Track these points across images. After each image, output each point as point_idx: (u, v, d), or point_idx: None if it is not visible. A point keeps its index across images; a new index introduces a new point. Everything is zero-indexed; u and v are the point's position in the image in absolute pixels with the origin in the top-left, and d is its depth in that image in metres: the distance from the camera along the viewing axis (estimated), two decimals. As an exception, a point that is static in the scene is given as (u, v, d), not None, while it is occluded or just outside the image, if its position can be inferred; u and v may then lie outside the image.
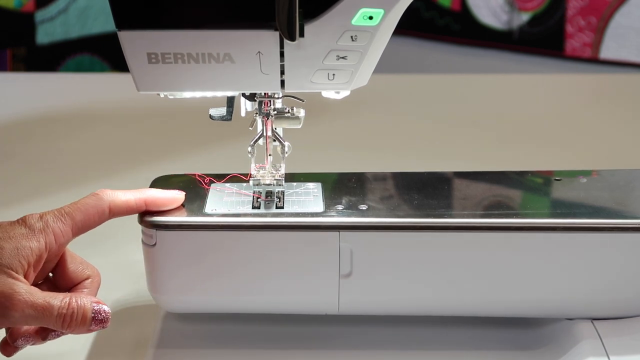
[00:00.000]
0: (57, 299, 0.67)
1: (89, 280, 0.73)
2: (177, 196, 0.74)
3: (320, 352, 0.73)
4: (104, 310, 0.68)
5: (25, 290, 0.67)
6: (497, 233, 0.71)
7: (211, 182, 0.78)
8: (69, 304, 0.68)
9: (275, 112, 0.76)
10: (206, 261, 0.71)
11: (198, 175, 0.78)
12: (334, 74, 0.71)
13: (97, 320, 0.68)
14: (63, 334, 0.69)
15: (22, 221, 0.70)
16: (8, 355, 0.71)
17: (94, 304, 0.68)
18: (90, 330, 0.68)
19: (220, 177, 0.78)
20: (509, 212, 0.73)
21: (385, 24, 0.70)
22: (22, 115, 1.34)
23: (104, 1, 2.57)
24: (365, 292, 0.72)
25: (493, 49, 2.69)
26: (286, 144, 0.76)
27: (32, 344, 0.70)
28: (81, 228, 0.71)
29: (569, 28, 2.54)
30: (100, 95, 1.46)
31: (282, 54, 0.70)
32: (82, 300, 0.68)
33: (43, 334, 0.70)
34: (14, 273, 0.67)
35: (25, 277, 0.68)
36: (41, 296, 0.67)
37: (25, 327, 0.70)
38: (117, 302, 0.80)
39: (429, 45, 2.80)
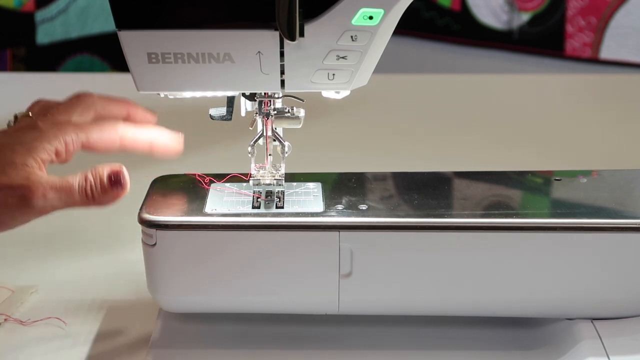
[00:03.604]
0: (74, 176, 0.71)
1: None
2: (174, 143, 0.77)
3: (320, 352, 0.73)
4: (118, 171, 0.71)
5: (44, 177, 0.70)
6: (497, 233, 0.71)
7: (211, 182, 0.78)
8: (85, 176, 0.71)
9: (275, 112, 0.76)
10: (206, 261, 0.71)
11: (198, 175, 0.78)
12: (334, 74, 0.71)
13: (114, 183, 0.71)
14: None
15: (33, 125, 0.73)
16: None
17: (106, 169, 0.71)
18: (115, 196, 0.71)
19: (220, 177, 0.78)
20: (509, 212, 0.73)
21: (385, 24, 0.70)
22: (22, 115, 1.34)
23: (104, 1, 2.57)
24: (365, 292, 0.72)
25: (493, 49, 2.69)
26: (286, 144, 0.76)
27: None
28: (90, 148, 0.74)
29: (569, 28, 2.54)
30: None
31: (282, 54, 0.70)
32: (96, 170, 0.71)
33: None
34: (29, 168, 0.70)
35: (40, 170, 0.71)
36: (59, 178, 0.70)
37: None
38: (117, 302, 0.80)
39: (429, 45, 2.81)
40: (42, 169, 0.71)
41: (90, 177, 0.71)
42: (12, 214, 0.70)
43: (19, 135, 0.73)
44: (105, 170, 0.71)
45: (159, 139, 0.76)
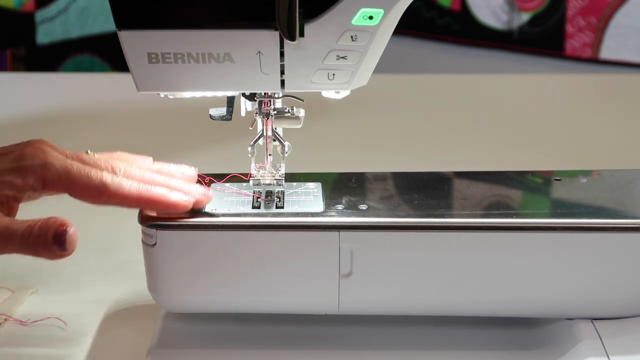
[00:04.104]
0: (21, 225, 0.66)
1: None
2: (182, 202, 0.70)
3: (320, 352, 0.73)
4: (63, 231, 0.66)
5: None
6: (497, 233, 0.71)
7: (211, 182, 0.78)
8: (32, 227, 0.66)
9: (275, 112, 0.76)
10: (206, 261, 0.71)
11: (198, 175, 0.78)
12: (334, 74, 0.71)
13: (56, 243, 0.66)
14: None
15: (18, 156, 0.69)
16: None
17: (55, 225, 0.66)
18: (57, 256, 0.66)
19: (220, 177, 0.78)
20: (509, 212, 0.73)
21: (385, 24, 0.70)
22: (22, 115, 1.34)
23: (104, 1, 2.57)
24: (365, 292, 0.72)
25: (493, 49, 2.69)
26: (286, 144, 0.76)
27: None
28: (72, 193, 0.70)
29: (569, 28, 2.54)
30: (100, 95, 1.46)
31: (282, 54, 0.70)
32: (45, 222, 0.66)
33: None
34: None
35: (9, 208, 0.68)
36: (4, 223, 0.66)
37: None
38: (117, 302, 0.80)
39: (429, 45, 2.81)
40: (11, 204, 0.68)
41: (36, 229, 0.66)
42: None
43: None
44: (53, 227, 0.66)
45: (153, 204, 0.70)
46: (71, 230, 0.66)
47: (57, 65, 2.58)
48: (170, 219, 0.71)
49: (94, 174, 0.70)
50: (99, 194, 0.69)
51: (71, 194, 0.70)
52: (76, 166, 0.70)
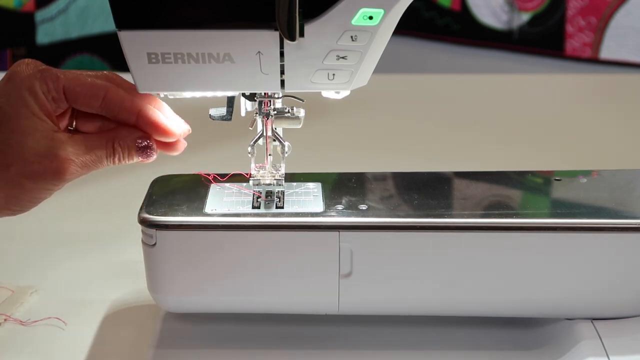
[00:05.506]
0: (101, 149, 0.71)
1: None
2: (174, 128, 0.73)
3: (320, 352, 0.73)
4: (146, 143, 0.72)
5: (71, 151, 0.69)
6: (497, 233, 0.71)
7: (215, 178, 0.78)
8: (113, 149, 0.71)
9: (275, 112, 0.76)
10: (206, 261, 0.71)
11: (204, 173, 0.78)
12: (334, 74, 0.71)
13: (142, 152, 0.72)
14: None
15: (11, 74, 0.73)
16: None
17: (135, 141, 0.72)
18: (143, 160, 0.73)
19: (221, 177, 0.78)
20: (509, 212, 0.73)
21: (385, 24, 0.70)
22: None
23: (104, 1, 2.57)
24: (365, 292, 0.72)
25: (493, 49, 2.69)
26: (286, 144, 0.76)
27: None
28: (71, 91, 0.71)
29: (569, 28, 2.54)
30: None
31: (282, 54, 0.70)
32: (123, 141, 0.71)
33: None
34: (54, 135, 0.69)
35: (54, 123, 0.70)
36: (86, 151, 0.70)
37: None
38: (117, 302, 0.80)
39: (429, 45, 2.81)
40: (57, 126, 0.70)
41: (118, 148, 0.71)
42: (46, 186, 0.70)
43: (5, 88, 0.71)
44: (132, 143, 0.72)
45: (151, 111, 0.73)
46: (150, 142, 0.72)
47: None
48: (169, 218, 0.71)
49: (95, 79, 0.72)
50: (98, 90, 0.71)
51: (71, 92, 0.71)
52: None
